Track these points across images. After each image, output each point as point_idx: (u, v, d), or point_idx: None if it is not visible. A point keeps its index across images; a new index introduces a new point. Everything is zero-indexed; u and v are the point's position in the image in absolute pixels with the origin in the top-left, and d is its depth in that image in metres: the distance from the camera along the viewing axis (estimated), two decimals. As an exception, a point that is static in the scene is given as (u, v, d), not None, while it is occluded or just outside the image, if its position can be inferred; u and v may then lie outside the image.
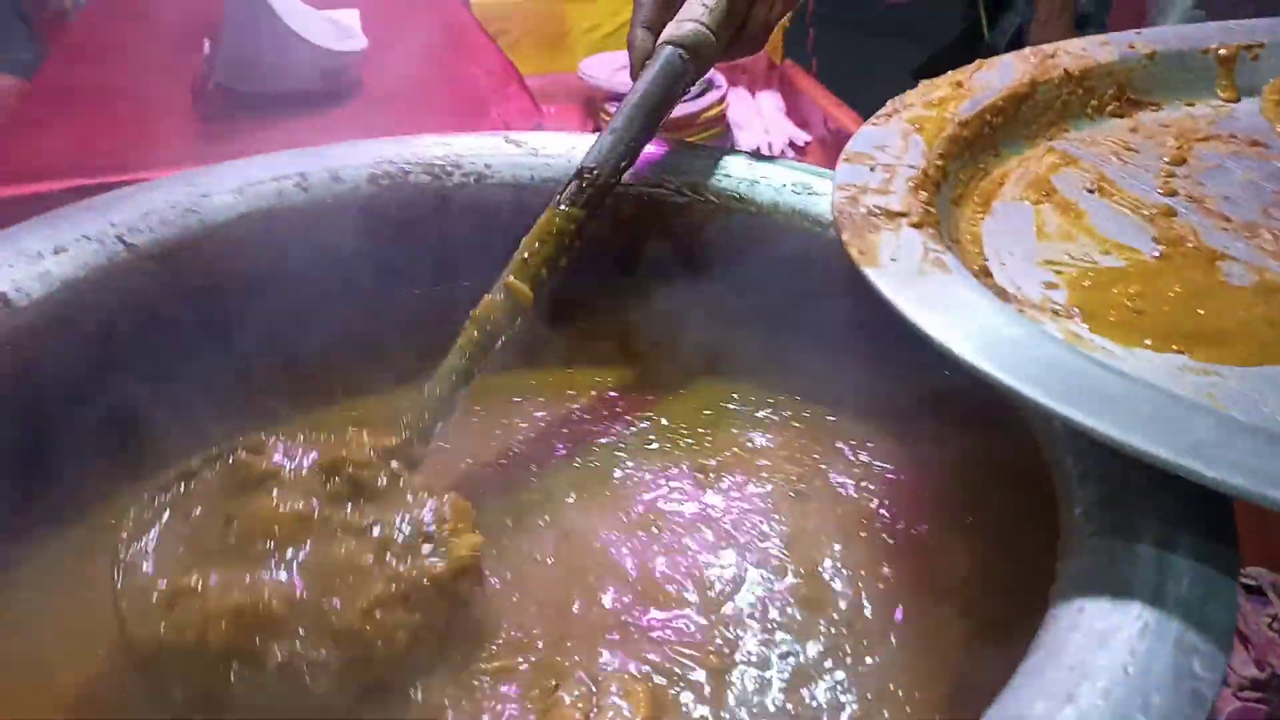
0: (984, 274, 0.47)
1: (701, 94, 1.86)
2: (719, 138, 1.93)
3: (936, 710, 0.40)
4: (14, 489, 0.46)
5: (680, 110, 1.82)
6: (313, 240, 0.58)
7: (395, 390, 0.57)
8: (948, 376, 0.41)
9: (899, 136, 0.54)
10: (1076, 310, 0.44)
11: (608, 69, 1.85)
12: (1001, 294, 0.45)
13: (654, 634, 0.43)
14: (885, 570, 0.46)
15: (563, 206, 0.52)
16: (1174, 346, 0.40)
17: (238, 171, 0.57)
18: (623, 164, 0.55)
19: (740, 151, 0.62)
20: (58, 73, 0.92)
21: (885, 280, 0.41)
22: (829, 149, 1.80)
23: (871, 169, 0.51)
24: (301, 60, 0.82)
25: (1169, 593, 0.30)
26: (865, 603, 0.44)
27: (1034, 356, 0.35)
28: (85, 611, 0.42)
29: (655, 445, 0.54)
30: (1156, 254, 0.48)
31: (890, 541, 0.47)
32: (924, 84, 0.60)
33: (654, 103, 0.57)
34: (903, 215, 0.46)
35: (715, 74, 1.87)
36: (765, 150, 1.88)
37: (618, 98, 1.83)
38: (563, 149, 0.62)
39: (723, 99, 1.85)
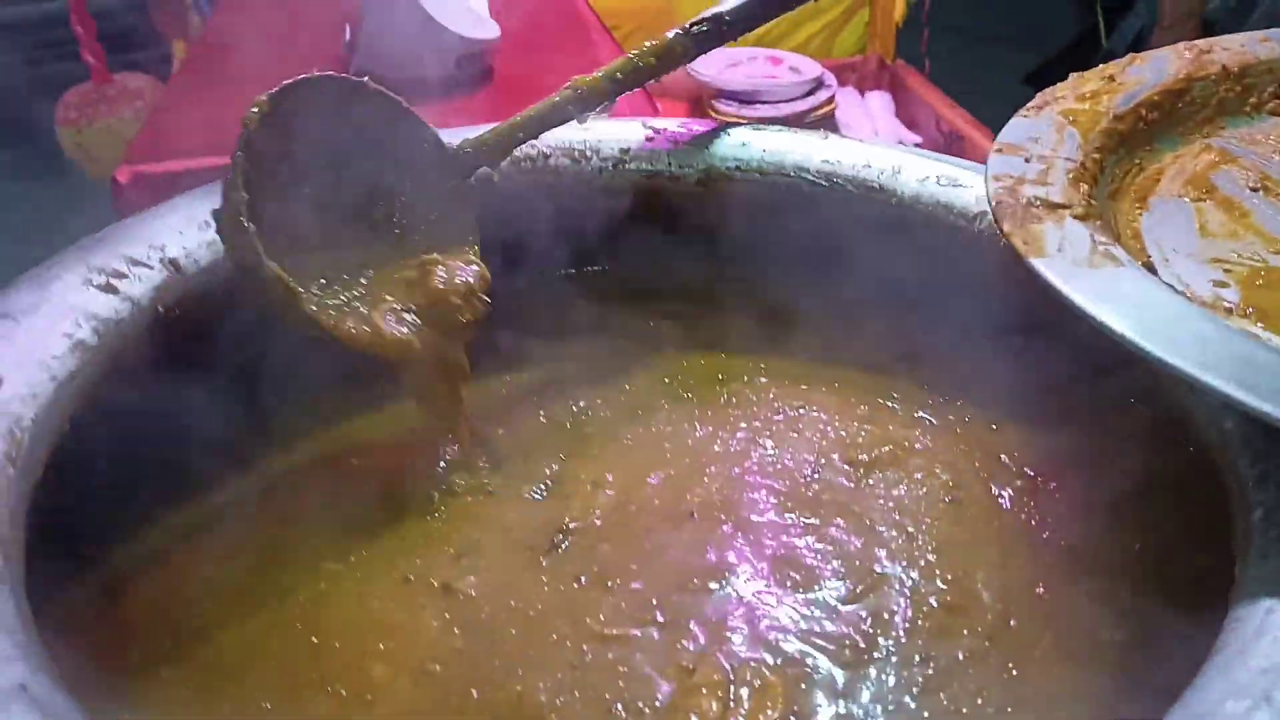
0: (1149, 270, 0.45)
1: (810, 93, 1.85)
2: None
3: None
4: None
5: (788, 109, 1.82)
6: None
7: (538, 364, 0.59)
8: (1115, 384, 0.40)
9: (1053, 129, 0.52)
10: (1252, 309, 0.42)
11: (717, 65, 1.85)
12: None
13: (790, 619, 0.43)
14: (1039, 590, 0.44)
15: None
16: (1359, 349, 0.39)
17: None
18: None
19: (879, 142, 0.61)
20: (205, 57, 0.96)
21: (1056, 271, 0.40)
22: (940, 151, 1.77)
23: (1027, 160, 0.49)
24: (440, 47, 0.84)
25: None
26: (1012, 618, 0.43)
27: (1225, 351, 0.34)
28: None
29: (806, 434, 0.54)
30: (1332, 256, 0.46)
31: (1047, 558, 0.46)
32: (1074, 77, 0.58)
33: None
34: (1065, 207, 0.45)
35: (825, 73, 1.86)
36: (874, 150, 1.86)
37: (726, 94, 1.83)
38: (703, 138, 0.63)
39: (831, 99, 1.84)
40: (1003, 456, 0.51)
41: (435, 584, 0.45)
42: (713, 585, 0.45)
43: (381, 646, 0.42)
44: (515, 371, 0.59)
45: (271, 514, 0.49)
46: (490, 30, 0.88)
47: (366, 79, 0.52)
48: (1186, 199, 0.52)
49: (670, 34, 0.59)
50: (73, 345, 0.43)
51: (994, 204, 0.46)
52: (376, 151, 0.52)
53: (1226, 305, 0.42)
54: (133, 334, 0.46)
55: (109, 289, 0.46)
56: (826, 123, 1.88)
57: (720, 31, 0.59)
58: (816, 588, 0.45)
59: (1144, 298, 0.38)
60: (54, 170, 2.16)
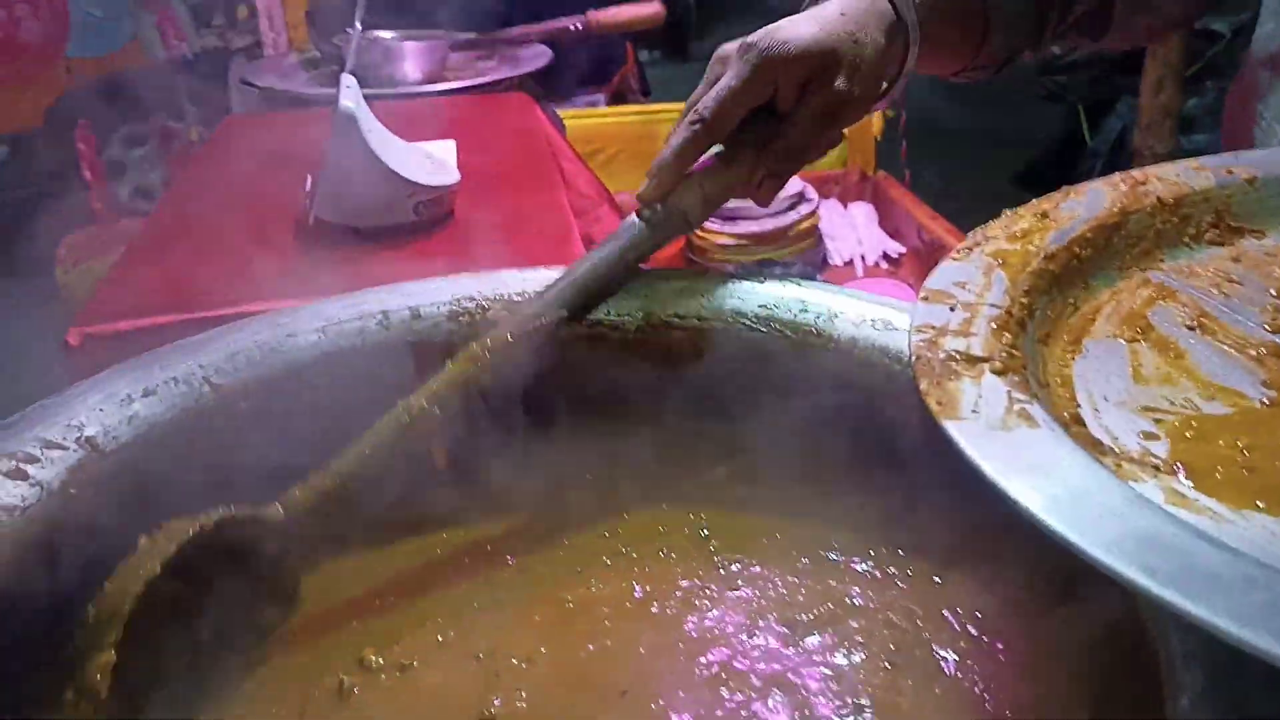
0: (1076, 422, 0.44)
1: (792, 207, 1.87)
2: (811, 250, 1.93)
3: None
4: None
5: (771, 224, 1.84)
6: (396, 376, 0.59)
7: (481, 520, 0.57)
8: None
9: (980, 272, 0.52)
10: (1180, 465, 0.40)
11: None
12: (1096, 446, 0.42)
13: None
14: None
15: (488, 355, 0.54)
16: (1290, 510, 0.37)
17: (323, 311, 0.59)
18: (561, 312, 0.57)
19: (816, 284, 0.61)
20: (173, 208, 0.98)
21: (966, 436, 0.39)
22: (924, 260, 1.78)
23: (952, 309, 0.49)
24: (396, 195, 0.85)
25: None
26: None
27: (1130, 528, 0.33)
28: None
29: (744, 592, 0.52)
30: (1266, 400, 0.44)
31: None
32: (1006, 214, 0.58)
33: (610, 263, 0.60)
34: (985, 360, 0.44)
35: (806, 187, 1.88)
36: (859, 261, 1.87)
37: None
38: (640, 283, 0.62)
39: (814, 211, 1.86)
40: (945, 613, 0.49)
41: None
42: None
43: None
44: (452, 528, 0.58)
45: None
46: (448, 176, 0.90)
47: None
48: (1122, 339, 0.51)
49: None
50: (-28, 537, 0.42)
51: (913, 359, 0.45)
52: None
53: (1155, 461, 0.41)
54: (41, 518, 0.45)
55: (18, 475, 0.45)
56: (810, 235, 1.90)
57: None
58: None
59: (1053, 465, 0.36)
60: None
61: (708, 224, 1.86)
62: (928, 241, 1.77)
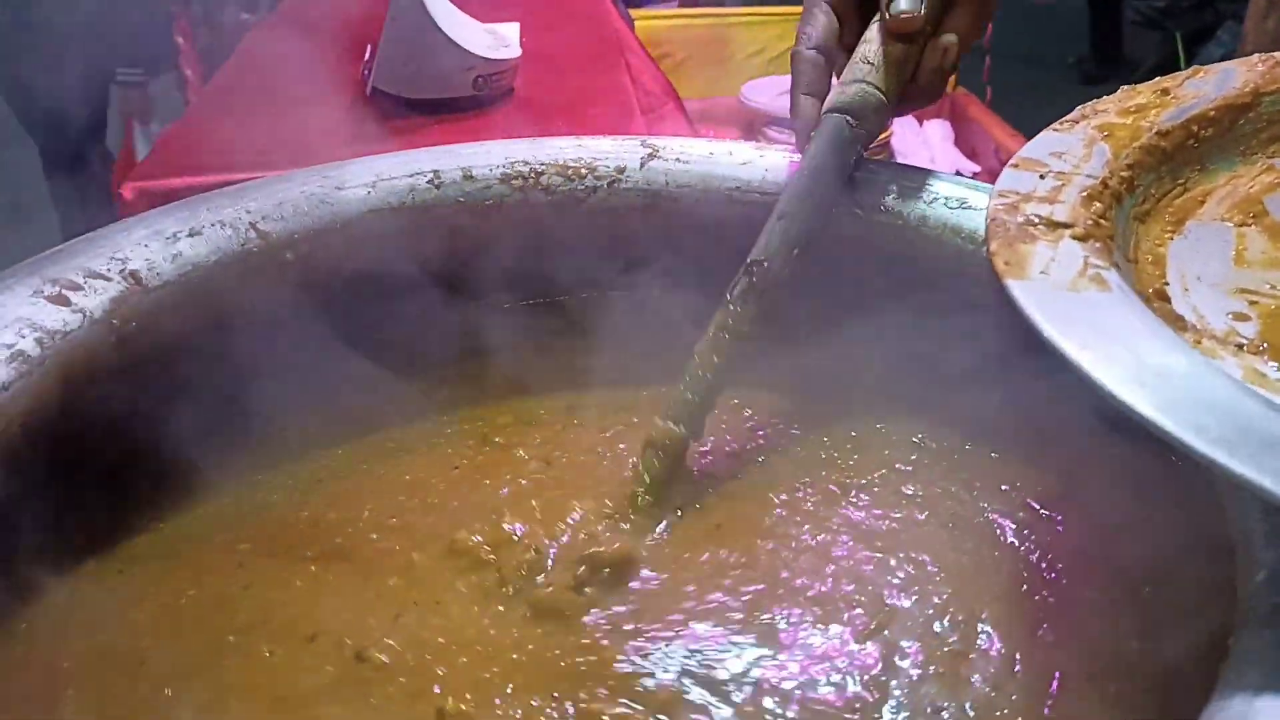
0: (1160, 297, 0.41)
1: (865, 120, 1.81)
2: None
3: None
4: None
5: (842, 136, 1.78)
6: (443, 237, 0.57)
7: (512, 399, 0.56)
8: (1125, 418, 0.36)
9: (1082, 143, 0.48)
10: (1266, 345, 0.37)
11: (770, 93, 1.83)
12: (1177, 321, 0.39)
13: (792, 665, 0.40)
14: (1043, 633, 0.41)
15: (733, 306, 0.49)
16: (1378, 393, 0.34)
17: (372, 166, 0.57)
18: (795, 251, 0.50)
19: (892, 163, 0.57)
20: (234, 75, 0.97)
21: (1029, 295, 0.36)
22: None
23: (1042, 176, 0.45)
24: (454, 67, 0.83)
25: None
26: (1018, 665, 0.39)
27: (1198, 396, 0.30)
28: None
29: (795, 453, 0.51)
30: (1379, 291, 0.41)
31: (1051, 600, 0.42)
32: (1124, 90, 0.53)
33: (826, 179, 0.52)
34: (1066, 226, 0.41)
35: (881, 100, 1.82)
36: (931, 180, 1.81)
37: (779, 121, 1.80)
38: (701, 154, 0.60)
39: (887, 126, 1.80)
40: (1004, 486, 0.47)
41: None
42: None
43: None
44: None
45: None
46: (510, 51, 0.87)
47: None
48: (1230, 223, 0.47)
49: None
50: (10, 356, 0.41)
51: (989, 221, 0.42)
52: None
53: (1240, 340, 0.38)
54: (83, 347, 0.44)
55: (60, 300, 0.45)
56: (882, 151, 1.84)
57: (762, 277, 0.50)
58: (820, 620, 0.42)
59: (1118, 328, 0.33)
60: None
61: (774, 134, 1.80)
62: (1005, 161, 1.70)
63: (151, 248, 0.49)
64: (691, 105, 1.56)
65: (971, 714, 0.38)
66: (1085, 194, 0.43)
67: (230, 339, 0.50)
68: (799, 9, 0.59)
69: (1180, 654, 0.35)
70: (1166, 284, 0.42)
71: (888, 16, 0.53)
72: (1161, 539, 0.39)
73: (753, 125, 1.84)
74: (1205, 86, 0.52)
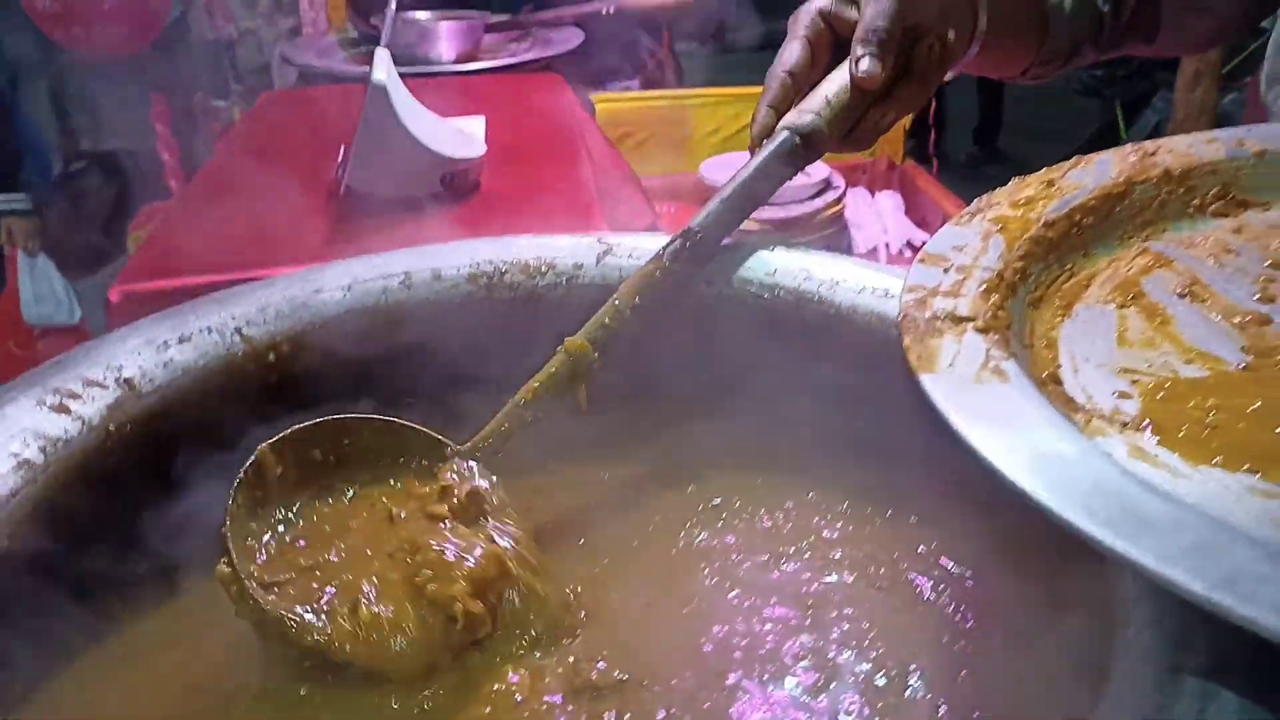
0: (1054, 380, 0.46)
1: (819, 194, 1.88)
2: (836, 237, 1.94)
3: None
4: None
5: (797, 210, 1.85)
6: (414, 333, 0.62)
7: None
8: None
9: (979, 237, 0.53)
10: (1148, 423, 0.42)
11: (727, 171, 1.90)
12: (1069, 403, 0.44)
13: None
14: (962, 678, 0.46)
15: (665, 261, 0.57)
16: (1246, 466, 0.39)
17: (349, 269, 0.62)
18: (725, 233, 0.60)
19: (821, 252, 0.63)
20: (211, 176, 1.02)
21: (938, 387, 0.41)
22: (950, 248, 1.78)
23: (945, 270, 0.51)
24: (424, 166, 0.88)
25: (1213, 722, 0.29)
26: (943, 707, 0.44)
27: (1079, 475, 0.35)
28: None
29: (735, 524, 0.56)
30: (1242, 365, 0.46)
31: (968, 648, 0.47)
32: (1015, 181, 0.59)
33: (766, 181, 0.61)
34: (969, 320, 0.46)
35: (833, 174, 1.90)
36: (883, 250, 1.88)
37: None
38: (651, 249, 0.65)
39: (840, 198, 1.87)
40: (921, 548, 0.52)
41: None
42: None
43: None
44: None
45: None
46: (475, 149, 0.93)
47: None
48: (1112, 305, 0.52)
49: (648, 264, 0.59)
50: (17, 464, 0.45)
51: (901, 317, 0.47)
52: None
53: (1124, 419, 0.43)
54: (81, 451, 0.48)
55: (62, 409, 0.49)
56: (835, 222, 1.91)
57: (694, 245, 0.59)
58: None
59: (1017, 417, 0.38)
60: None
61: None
62: (954, 230, 1.78)
63: (144, 355, 0.54)
64: (652, 182, 1.63)
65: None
66: (983, 287, 0.49)
67: (215, 436, 0.54)
68: (754, 89, 0.68)
69: (1072, 693, 0.40)
70: (1059, 367, 0.47)
71: (854, 71, 0.62)
72: (1054, 594, 0.44)
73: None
74: (1086, 177, 0.58)
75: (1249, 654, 0.30)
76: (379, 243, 0.72)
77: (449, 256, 0.64)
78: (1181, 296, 0.52)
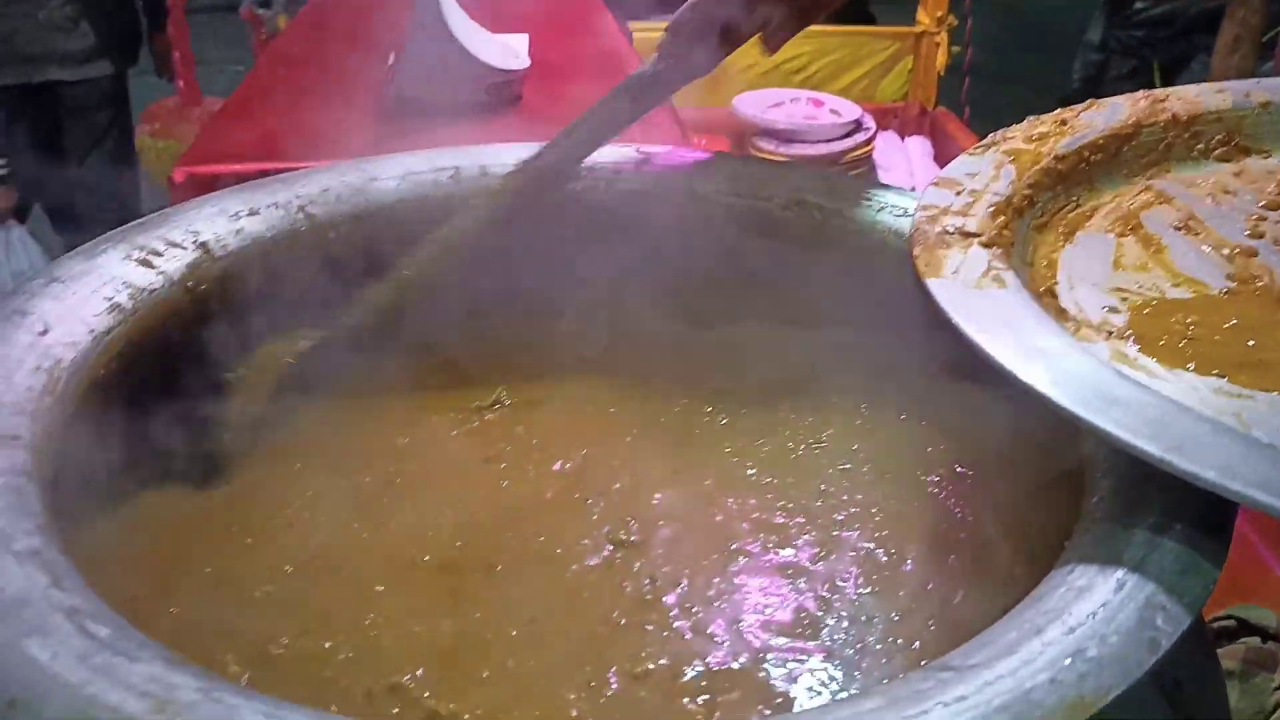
0: (1049, 294, 0.50)
1: (848, 134, 1.91)
2: (863, 178, 1.97)
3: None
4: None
5: (825, 149, 1.88)
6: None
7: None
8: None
9: (992, 166, 0.58)
10: (1131, 333, 0.47)
11: (759, 105, 1.93)
12: (1061, 314, 0.48)
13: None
14: (951, 561, 0.51)
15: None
16: (1215, 371, 0.43)
17: (403, 162, 0.66)
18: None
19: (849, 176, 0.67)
20: (262, 76, 1.05)
21: (942, 291, 0.45)
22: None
23: (958, 194, 0.55)
24: (469, 75, 0.92)
25: (1152, 563, 0.34)
26: (931, 585, 0.50)
27: (1063, 366, 0.39)
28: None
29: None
30: (1225, 289, 0.50)
31: (961, 537, 0.52)
32: (1030, 120, 0.63)
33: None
34: (976, 235, 0.50)
35: (865, 115, 1.92)
36: (908, 194, 1.90)
37: (768, 132, 1.90)
38: (684, 163, 0.69)
39: (869, 141, 1.90)
40: (929, 449, 0.57)
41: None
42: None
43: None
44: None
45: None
46: (520, 62, 0.96)
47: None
48: (1112, 234, 0.56)
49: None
50: (110, 307, 0.50)
51: (913, 230, 0.51)
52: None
53: (1110, 329, 0.47)
54: (163, 301, 0.54)
55: (146, 264, 0.54)
56: (863, 164, 1.93)
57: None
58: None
59: (1012, 317, 0.43)
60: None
61: (763, 144, 1.90)
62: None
63: (218, 223, 0.58)
64: (686, 114, 1.65)
65: (896, 619, 0.48)
66: (992, 209, 0.53)
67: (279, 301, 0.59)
68: None
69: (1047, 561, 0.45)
70: (1056, 284, 0.52)
71: None
72: (1038, 476, 0.49)
73: (742, 135, 1.93)
74: (1097, 118, 0.62)
75: (1187, 512, 0.35)
76: (424, 146, 0.77)
77: (496, 155, 0.68)
78: (1177, 229, 0.56)
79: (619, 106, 0.64)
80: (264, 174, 0.70)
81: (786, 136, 1.84)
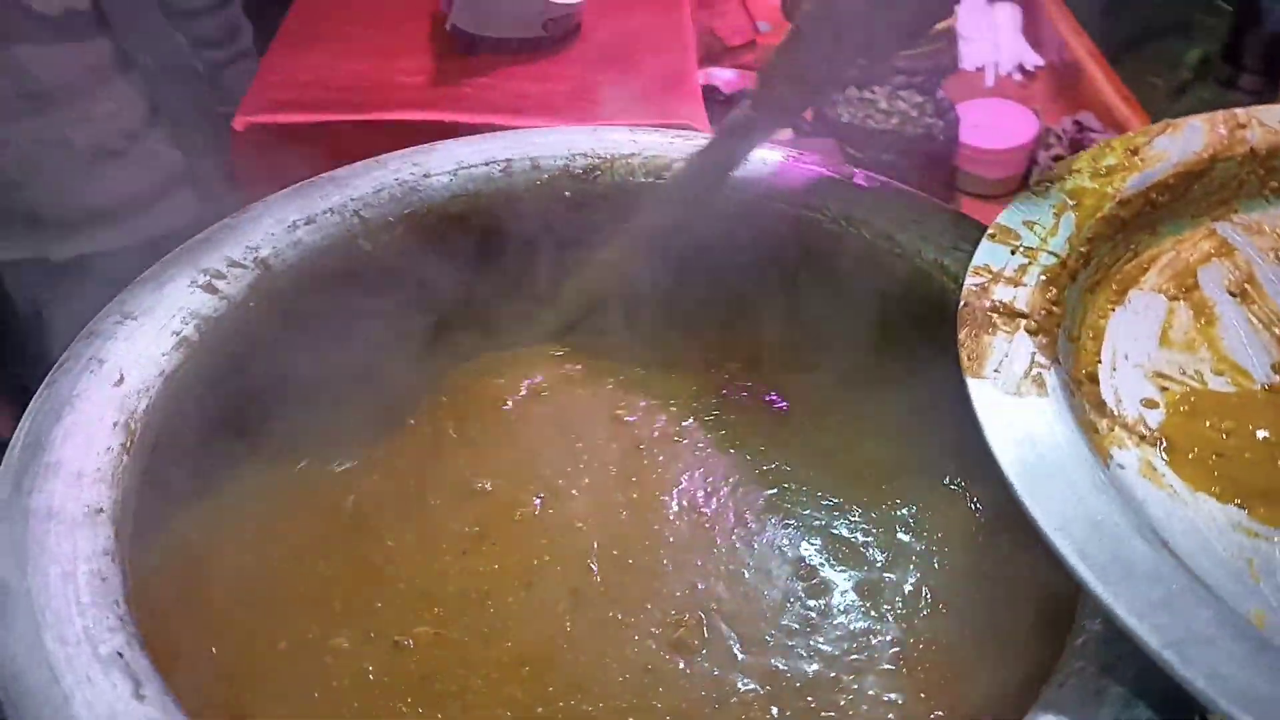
0: (1090, 380, 0.50)
1: (929, 5, 1.78)
2: (942, 51, 1.86)
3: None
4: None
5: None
6: (512, 218, 0.67)
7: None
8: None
9: (1052, 214, 0.56)
10: (1163, 439, 0.47)
11: None
12: (1099, 407, 0.49)
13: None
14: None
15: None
16: (1237, 500, 0.44)
17: (454, 153, 0.66)
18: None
19: (908, 191, 0.65)
20: (302, 18, 1.02)
21: (982, 395, 0.46)
22: (1059, 80, 1.69)
23: (1013, 251, 0.54)
24: (528, 9, 0.89)
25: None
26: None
27: (1084, 512, 0.40)
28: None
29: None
30: (1267, 384, 0.50)
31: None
32: (1101, 143, 0.60)
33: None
34: (1024, 316, 0.50)
35: (949, -18, 1.78)
36: (991, 70, 1.79)
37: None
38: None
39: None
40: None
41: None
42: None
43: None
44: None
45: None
46: (576, -4, 0.93)
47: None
48: (1164, 296, 0.55)
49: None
50: (178, 342, 0.53)
51: (961, 305, 0.51)
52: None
53: (1143, 431, 0.48)
54: (229, 328, 0.56)
55: (210, 289, 0.56)
56: (944, 34, 1.82)
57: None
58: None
59: (1044, 437, 0.44)
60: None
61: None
62: (1067, 62, 1.69)
63: (276, 235, 0.60)
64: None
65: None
66: (1044, 279, 0.52)
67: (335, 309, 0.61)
68: None
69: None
70: (1099, 364, 0.51)
71: None
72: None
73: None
74: (1171, 147, 0.58)
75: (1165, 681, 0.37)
76: (481, 84, 0.76)
77: (547, 147, 0.68)
78: (1233, 295, 0.55)
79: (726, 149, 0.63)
80: (317, 127, 0.71)
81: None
